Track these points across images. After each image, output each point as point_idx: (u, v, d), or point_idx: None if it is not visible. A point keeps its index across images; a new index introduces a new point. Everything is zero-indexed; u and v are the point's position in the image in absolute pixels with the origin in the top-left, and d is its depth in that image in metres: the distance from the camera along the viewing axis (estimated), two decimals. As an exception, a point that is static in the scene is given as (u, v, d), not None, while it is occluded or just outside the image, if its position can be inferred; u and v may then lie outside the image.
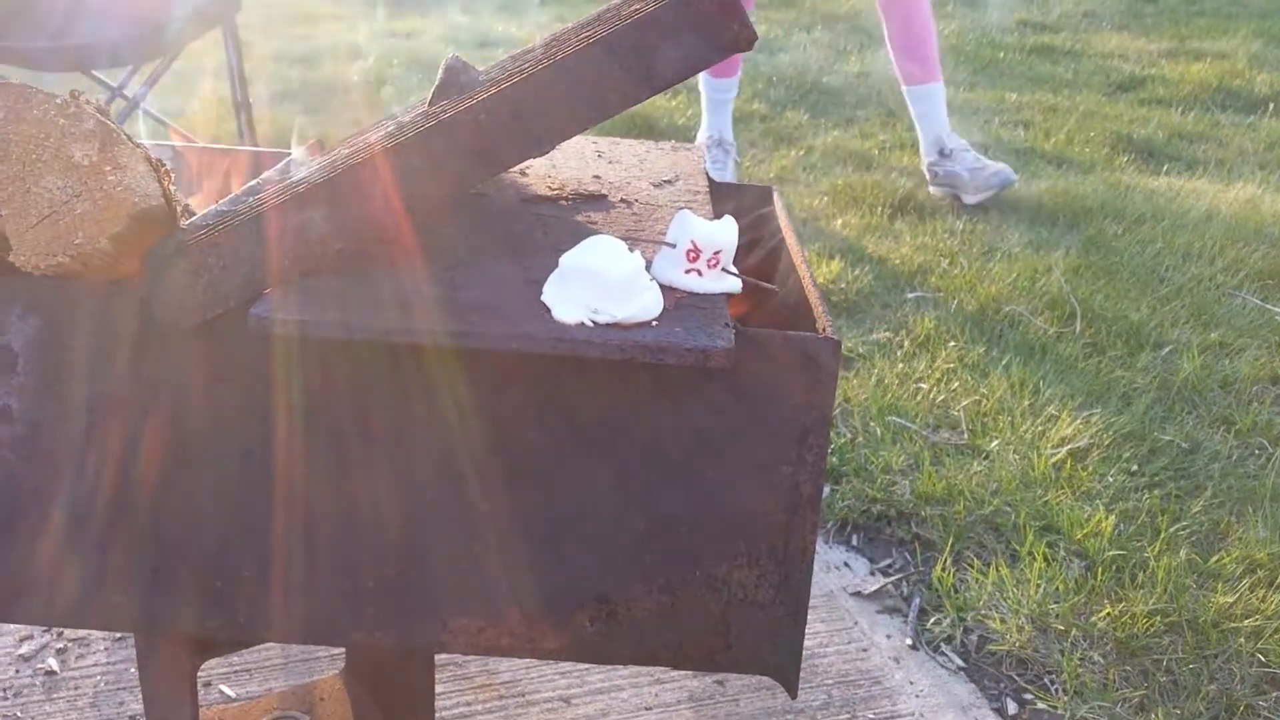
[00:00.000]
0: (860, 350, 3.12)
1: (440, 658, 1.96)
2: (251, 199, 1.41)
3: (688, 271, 1.33)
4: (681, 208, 1.62)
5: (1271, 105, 5.71)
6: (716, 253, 1.32)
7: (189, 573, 1.35)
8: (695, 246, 1.31)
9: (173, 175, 1.35)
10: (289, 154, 1.80)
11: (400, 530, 1.32)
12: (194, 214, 1.42)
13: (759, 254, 1.69)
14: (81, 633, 2.06)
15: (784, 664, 1.37)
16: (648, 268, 1.31)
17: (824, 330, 1.30)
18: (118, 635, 2.04)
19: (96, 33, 3.26)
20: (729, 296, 1.35)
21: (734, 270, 1.36)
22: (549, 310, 1.22)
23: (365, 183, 1.26)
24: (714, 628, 1.34)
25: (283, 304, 1.22)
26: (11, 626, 2.05)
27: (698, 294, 1.32)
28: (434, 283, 1.28)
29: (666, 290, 1.29)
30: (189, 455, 1.31)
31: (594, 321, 1.20)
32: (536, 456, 1.30)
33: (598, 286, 1.20)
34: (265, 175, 1.65)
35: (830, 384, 1.27)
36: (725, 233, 1.34)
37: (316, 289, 1.25)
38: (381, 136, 1.40)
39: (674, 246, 1.33)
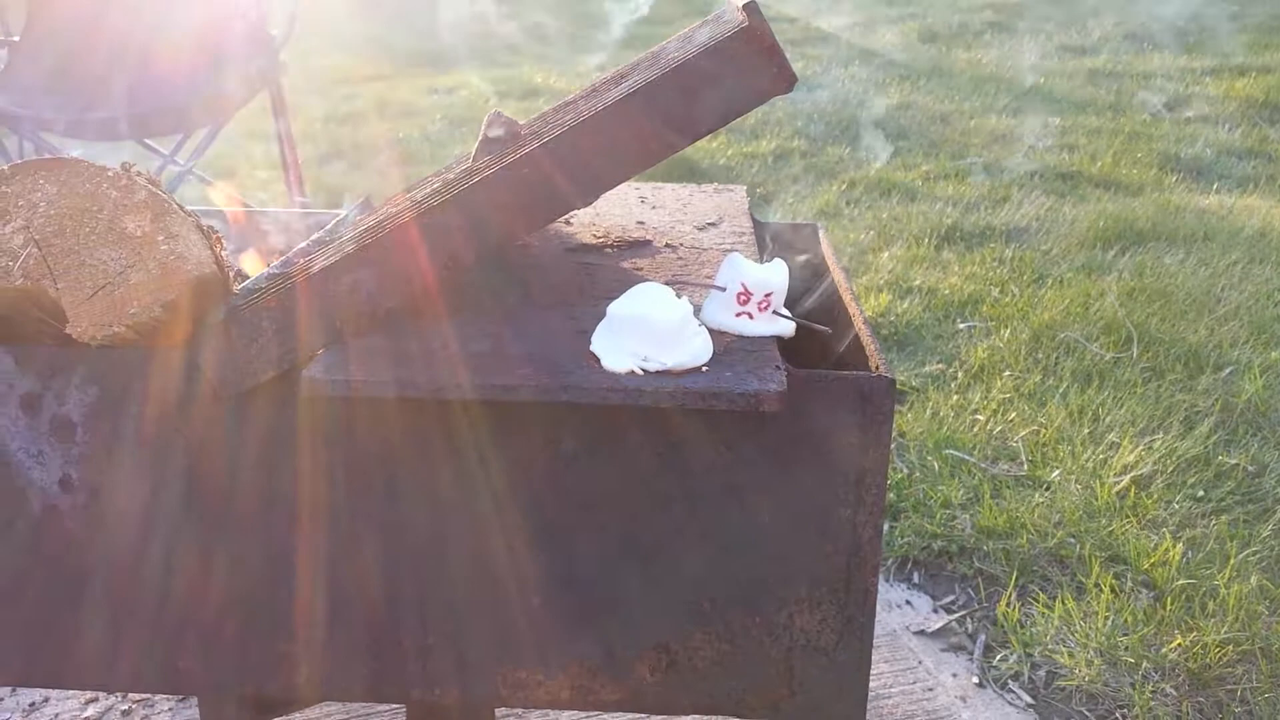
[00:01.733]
0: (913, 383, 3.09)
1: (500, 710, 1.95)
2: (301, 261, 1.43)
3: (739, 315, 1.32)
4: (729, 250, 1.62)
5: (1321, 118, 5.63)
6: (768, 295, 1.32)
7: (251, 634, 1.36)
8: (746, 290, 1.31)
9: (224, 241, 1.37)
10: (338, 214, 1.83)
11: (457, 585, 1.32)
12: (246, 278, 1.44)
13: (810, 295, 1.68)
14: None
15: (850, 710, 1.34)
16: (696, 313, 1.31)
17: (877, 368, 1.29)
18: (182, 696, 2.05)
19: (146, 102, 3.33)
20: (779, 338, 1.34)
21: (786, 313, 1.35)
22: (599, 360, 1.22)
23: (411, 242, 1.27)
24: (777, 674, 1.32)
25: (334, 365, 1.23)
26: (79, 691, 2.07)
27: (747, 337, 1.31)
28: (483, 337, 1.29)
29: (715, 334, 1.29)
30: (247, 518, 1.32)
31: (644, 369, 1.19)
32: (591, 506, 1.29)
33: (647, 334, 1.20)
34: (315, 236, 1.67)
35: (886, 423, 1.26)
36: (776, 275, 1.33)
37: (368, 348, 1.26)
38: (426, 195, 1.42)
39: (724, 290, 1.33)
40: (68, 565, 1.35)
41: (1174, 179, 4.87)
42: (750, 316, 1.32)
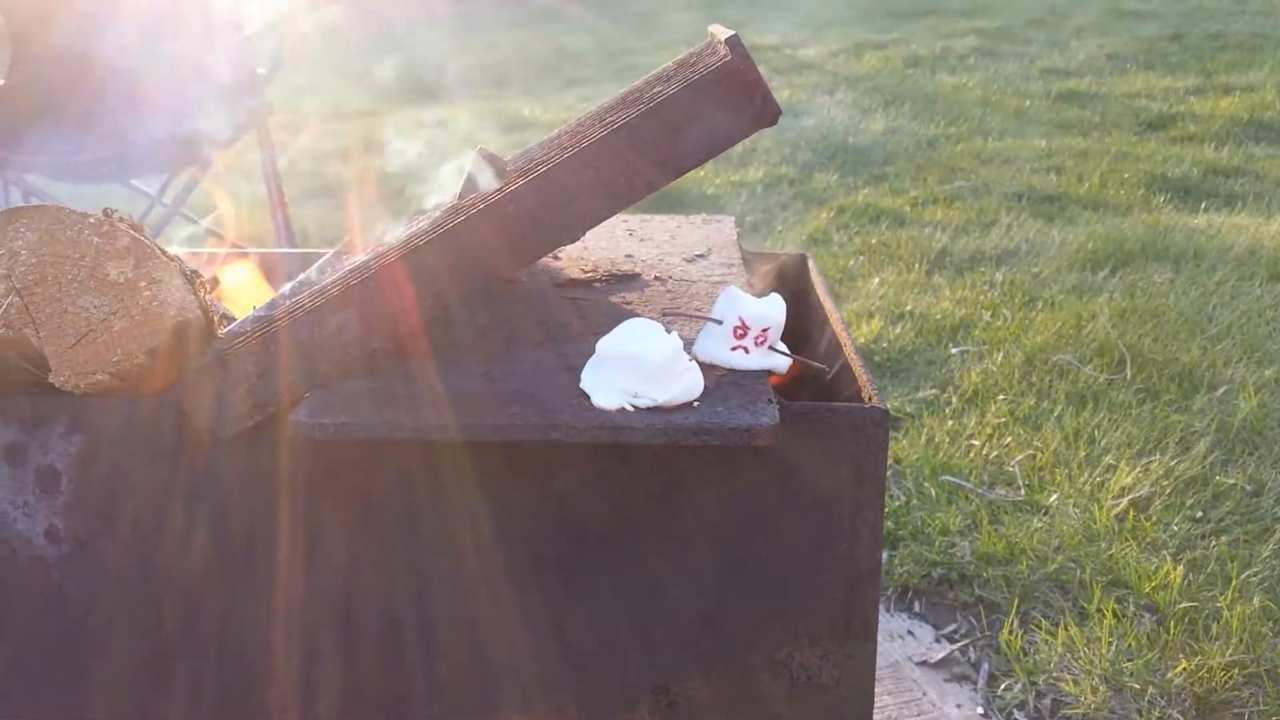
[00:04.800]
0: (908, 409, 3.08)
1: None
2: (287, 303, 1.41)
3: (734, 349, 1.30)
4: (718, 282, 1.61)
5: (1306, 134, 5.66)
6: (765, 330, 1.30)
7: (242, 681, 1.33)
8: (743, 323, 1.30)
9: (208, 285, 1.36)
10: (325, 254, 1.81)
11: (450, 628, 1.30)
12: (231, 321, 1.42)
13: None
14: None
15: (853, 746, 1.32)
16: (689, 346, 1.29)
17: (870, 399, 1.28)
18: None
19: (132, 143, 3.33)
20: (770, 371, 1.32)
21: (783, 348, 1.33)
22: (588, 397, 1.20)
23: (397, 282, 1.26)
24: (778, 713, 1.30)
25: (322, 407, 1.21)
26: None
27: (739, 370, 1.30)
28: (471, 376, 1.27)
29: (706, 368, 1.28)
30: (234, 563, 1.30)
31: (634, 406, 1.18)
32: (586, 546, 1.27)
33: (636, 370, 1.19)
34: (301, 277, 1.66)
35: (881, 454, 1.25)
36: (774, 310, 1.32)
37: (355, 390, 1.25)
38: (412, 234, 1.41)
39: (720, 323, 1.31)
40: (56, 616, 1.33)
41: (1162, 199, 4.88)
42: (746, 351, 1.30)
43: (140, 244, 1.24)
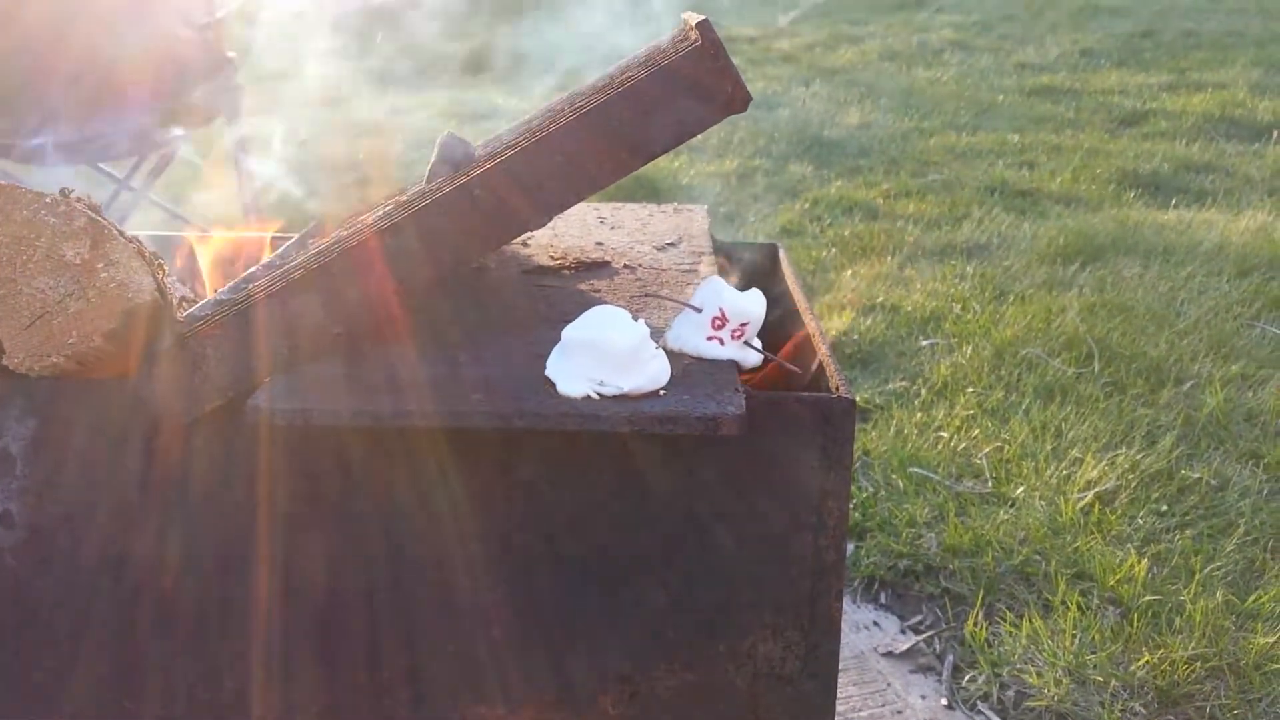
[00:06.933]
0: (877, 401, 3.08)
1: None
2: (250, 286, 1.39)
3: (710, 339, 1.30)
4: (688, 270, 1.60)
5: (1276, 132, 5.69)
6: (743, 324, 1.29)
7: (199, 673, 1.31)
8: (723, 315, 1.29)
9: (166, 267, 1.34)
10: (291, 238, 1.79)
11: (412, 619, 1.28)
12: (191, 304, 1.40)
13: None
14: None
15: (816, 738, 1.32)
16: (657, 334, 1.28)
17: (837, 389, 1.27)
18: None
19: (101, 127, 3.28)
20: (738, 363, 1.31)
21: (758, 345, 1.33)
22: (554, 385, 1.19)
23: (361, 265, 1.24)
24: (741, 704, 1.30)
25: (281, 393, 1.19)
26: None
27: (707, 360, 1.29)
28: (436, 362, 1.26)
29: (674, 356, 1.27)
30: (195, 550, 1.28)
31: (600, 394, 1.17)
32: (550, 534, 1.26)
33: (602, 358, 1.18)
34: (266, 261, 1.64)
35: (847, 444, 1.24)
36: (755, 305, 1.31)
37: (316, 375, 1.23)
38: (377, 217, 1.39)
39: (700, 311, 1.30)
40: (9, 604, 1.31)
41: (1133, 194, 4.90)
42: (721, 342, 1.29)
43: (98, 224, 1.22)
